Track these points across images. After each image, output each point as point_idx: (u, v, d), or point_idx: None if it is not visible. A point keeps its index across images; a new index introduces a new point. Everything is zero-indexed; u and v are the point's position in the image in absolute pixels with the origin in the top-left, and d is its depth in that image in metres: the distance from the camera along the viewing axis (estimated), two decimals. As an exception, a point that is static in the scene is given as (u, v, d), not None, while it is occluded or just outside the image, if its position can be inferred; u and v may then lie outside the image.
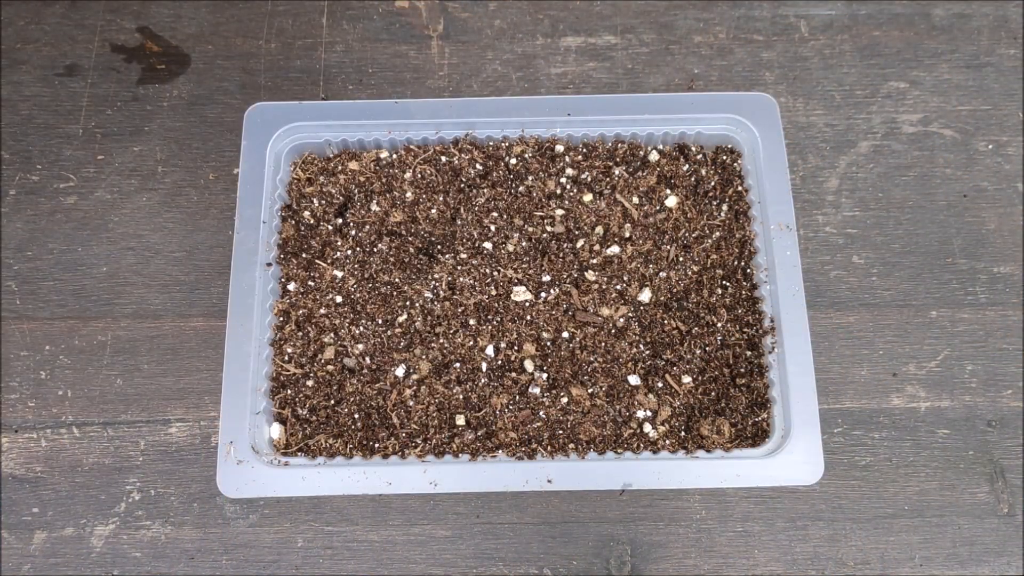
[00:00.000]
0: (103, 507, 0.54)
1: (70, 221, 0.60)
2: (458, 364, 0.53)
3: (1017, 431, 0.56)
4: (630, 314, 0.54)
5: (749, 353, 0.53)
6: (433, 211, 0.56)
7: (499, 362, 0.53)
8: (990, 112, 0.63)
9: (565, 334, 0.53)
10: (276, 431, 0.51)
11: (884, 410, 0.56)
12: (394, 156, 0.58)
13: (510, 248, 0.55)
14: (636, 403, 0.52)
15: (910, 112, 0.63)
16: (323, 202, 0.57)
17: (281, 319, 0.54)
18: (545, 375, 0.52)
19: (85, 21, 0.66)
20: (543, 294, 0.54)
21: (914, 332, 0.58)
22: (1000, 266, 0.59)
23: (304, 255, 0.55)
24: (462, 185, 0.57)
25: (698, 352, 0.53)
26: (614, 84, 0.64)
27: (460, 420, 0.51)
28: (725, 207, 0.56)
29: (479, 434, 0.51)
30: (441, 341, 0.53)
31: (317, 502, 0.54)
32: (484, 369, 0.52)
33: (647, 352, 0.53)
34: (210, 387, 0.56)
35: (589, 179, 0.57)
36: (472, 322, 0.53)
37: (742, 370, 0.52)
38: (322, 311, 0.54)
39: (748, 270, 0.55)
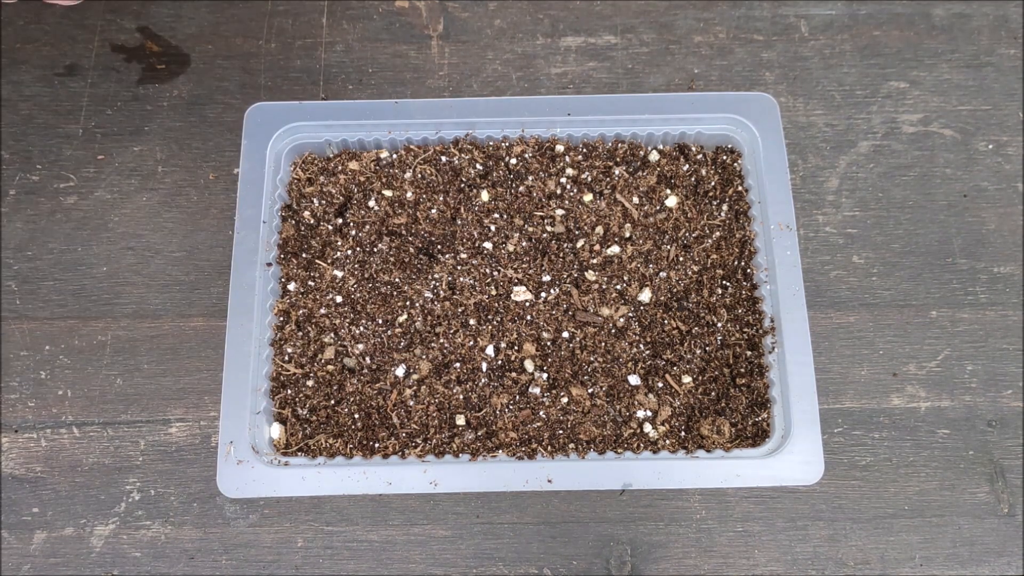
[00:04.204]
0: (103, 507, 0.54)
1: (70, 221, 0.60)
2: (458, 364, 0.53)
3: (1017, 431, 0.56)
4: (630, 314, 0.54)
5: (749, 353, 0.53)
6: (433, 211, 0.56)
7: (499, 362, 0.53)
8: (990, 112, 0.63)
9: (565, 334, 0.53)
10: (276, 431, 0.51)
11: (884, 410, 0.56)
12: (394, 156, 0.58)
13: (510, 248, 0.55)
14: (636, 403, 0.52)
15: (910, 112, 0.63)
16: (323, 202, 0.57)
17: (281, 319, 0.54)
18: (545, 375, 0.52)
19: (85, 21, 0.66)
20: (543, 294, 0.54)
21: (914, 332, 0.58)
22: (1000, 266, 0.59)
23: (304, 255, 0.55)
24: (462, 185, 0.57)
25: (698, 352, 0.53)
26: (614, 84, 0.64)
27: (460, 420, 0.51)
28: (725, 207, 0.56)
29: (479, 434, 0.51)
30: (441, 341, 0.53)
31: (317, 502, 0.54)
32: (484, 369, 0.52)
33: (647, 352, 0.53)
34: (210, 387, 0.56)
35: (589, 179, 0.57)
36: (472, 322, 0.53)
37: (742, 370, 0.52)
38: (322, 311, 0.54)
39: (748, 270, 0.55)
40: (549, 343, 0.53)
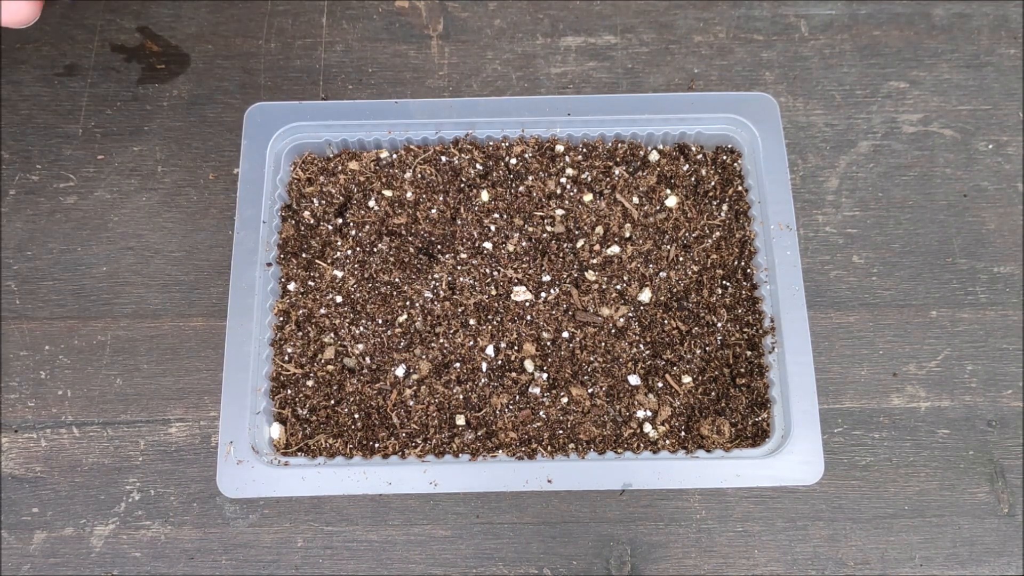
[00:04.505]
0: (103, 507, 0.54)
1: (70, 221, 0.60)
2: (458, 364, 0.53)
3: (1017, 431, 0.56)
4: (630, 314, 0.54)
5: (749, 353, 0.53)
6: (433, 211, 0.56)
7: (499, 362, 0.53)
8: (990, 112, 0.63)
9: (565, 334, 0.53)
10: (276, 431, 0.51)
11: (884, 410, 0.56)
12: (394, 156, 0.58)
13: (510, 248, 0.55)
14: (636, 403, 0.52)
15: (910, 112, 0.63)
16: (323, 202, 0.57)
17: (281, 319, 0.54)
18: (545, 375, 0.52)
19: (85, 21, 0.66)
20: (543, 294, 0.54)
21: (914, 332, 0.58)
22: (1000, 266, 0.59)
23: (304, 255, 0.55)
24: (462, 185, 0.57)
25: (698, 352, 0.53)
26: (614, 84, 0.64)
27: (460, 420, 0.51)
28: (725, 207, 0.56)
29: (479, 434, 0.51)
30: (441, 341, 0.53)
31: (317, 502, 0.54)
32: (484, 369, 0.52)
33: (647, 352, 0.53)
34: (210, 387, 0.56)
35: (589, 179, 0.57)
36: (472, 322, 0.53)
37: (742, 370, 0.52)
38: (322, 311, 0.54)
39: (748, 270, 0.55)
40: (549, 343, 0.53)
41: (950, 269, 0.59)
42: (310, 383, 0.53)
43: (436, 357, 0.53)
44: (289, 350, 0.53)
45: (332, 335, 0.54)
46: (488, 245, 0.55)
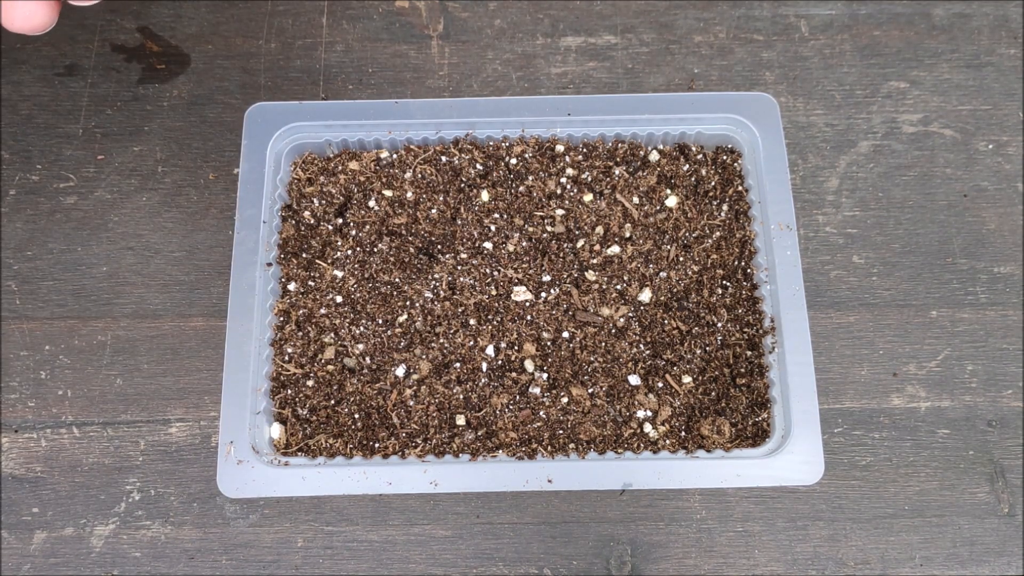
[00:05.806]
0: (103, 507, 0.54)
1: (70, 221, 0.60)
2: (458, 364, 0.53)
3: (1017, 431, 0.56)
4: (630, 314, 0.54)
5: (749, 353, 0.53)
6: (433, 211, 0.56)
7: (499, 362, 0.53)
8: (990, 112, 0.63)
9: (565, 334, 0.53)
10: (276, 431, 0.51)
11: (884, 410, 0.56)
12: (394, 156, 0.58)
13: (510, 248, 0.55)
14: (636, 403, 0.52)
15: (910, 112, 0.63)
16: (323, 202, 0.57)
17: (281, 319, 0.54)
18: (545, 375, 0.52)
19: (85, 21, 0.66)
20: (543, 294, 0.54)
21: (914, 332, 0.58)
22: (1000, 266, 0.59)
23: (304, 255, 0.55)
24: (462, 185, 0.57)
25: (698, 352, 0.53)
26: (614, 84, 0.64)
27: (460, 420, 0.51)
28: (725, 207, 0.56)
29: (479, 434, 0.51)
30: (441, 341, 0.53)
31: (317, 502, 0.54)
32: (484, 369, 0.52)
33: (647, 352, 0.53)
34: (210, 387, 0.56)
35: (589, 179, 0.57)
36: (472, 322, 0.53)
37: (742, 370, 0.52)
38: (322, 311, 0.54)
39: (748, 270, 0.55)
40: (549, 343, 0.53)
41: (950, 269, 0.59)
42: (310, 383, 0.53)
43: (436, 357, 0.53)
44: (289, 350, 0.53)
45: (332, 335, 0.54)
46: (488, 245, 0.55)
